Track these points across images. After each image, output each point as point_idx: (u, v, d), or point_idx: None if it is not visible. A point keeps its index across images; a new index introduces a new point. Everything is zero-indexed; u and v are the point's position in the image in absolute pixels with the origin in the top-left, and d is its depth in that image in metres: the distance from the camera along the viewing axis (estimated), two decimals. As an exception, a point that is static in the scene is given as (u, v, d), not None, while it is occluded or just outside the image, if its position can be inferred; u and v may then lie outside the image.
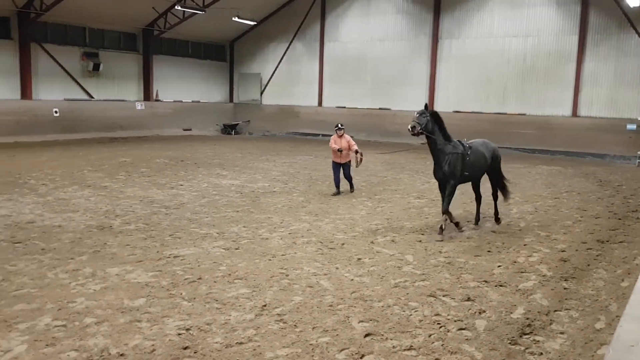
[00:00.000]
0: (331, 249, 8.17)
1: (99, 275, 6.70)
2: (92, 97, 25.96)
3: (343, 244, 8.42)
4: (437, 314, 5.81)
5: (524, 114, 24.57)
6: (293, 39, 30.70)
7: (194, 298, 6.05)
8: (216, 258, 7.56)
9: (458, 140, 9.20)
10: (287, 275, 6.88)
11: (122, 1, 23.11)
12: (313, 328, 5.38)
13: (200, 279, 6.69)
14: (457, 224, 9.18)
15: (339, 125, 12.72)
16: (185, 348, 4.87)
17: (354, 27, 28.90)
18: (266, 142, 26.51)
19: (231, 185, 13.47)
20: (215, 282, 6.60)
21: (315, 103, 30.45)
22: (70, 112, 24.52)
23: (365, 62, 28.64)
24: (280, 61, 31.29)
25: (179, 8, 25.40)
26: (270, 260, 7.54)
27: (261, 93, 32.28)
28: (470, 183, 9.74)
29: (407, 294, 6.38)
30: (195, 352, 4.81)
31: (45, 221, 9.34)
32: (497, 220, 9.96)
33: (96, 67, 25.64)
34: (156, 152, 19.82)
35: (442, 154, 8.94)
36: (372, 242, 8.60)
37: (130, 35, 27.82)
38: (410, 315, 5.78)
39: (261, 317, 5.58)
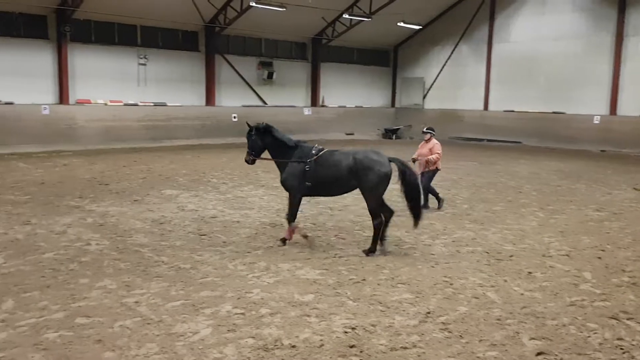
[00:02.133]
0: (498, 260, 7.84)
1: (272, 269, 7.18)
2: (266, 103, 27.90)
3: (511, 256, 8.03)
4: (619, 338, 5.29)
5: None
6: (459, 41, 30.00)
7: (359, 298, 6.21)
8: (379, 261, 7.66)
9: (316, 147, 8.21)
10: (451, 284, 6.75)
11: (295, 13, 24.49)
12: (480, 340, 5.22)
13: (364, 280, 6.84)
14: (305, 237, 8.23)
15: (425, 129, 11.44)
16: (352, 346, 5.02)
17: (525, 26, 27.39)
18: (428, 147, 26.18)
19: (392, 189, 13.50)
20: (378, 284, 6.70)
21: (481, 107, 29.41)
22: (246, 117, 26.36)
23: (537, 63, 26.97)
24: (444, 65, 30.76)
25: (347, 16, 26.23)
26: (433, 267, 7.46)
27: (424, 97, 32.02)
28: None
29: (585, 313, 5.89)
30: (361, 352, 4.93)
31: (225, 216, 10.25)
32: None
33: (270, 76, 27.52)
34: (321, 155, 20.61)
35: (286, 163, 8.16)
36: (544, 256, 8.08)
37: (301, 45, 29.37)
38: (589, 337, 5.33)
39: (425, 324, 5.55)
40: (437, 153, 11.02)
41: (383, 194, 7.98)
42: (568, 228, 9.88)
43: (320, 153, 8.08)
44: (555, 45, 26.33)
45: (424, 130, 11.45)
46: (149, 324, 5.42)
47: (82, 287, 6.39)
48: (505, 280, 6.94)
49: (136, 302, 5.99)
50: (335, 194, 8.57)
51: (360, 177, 7.81)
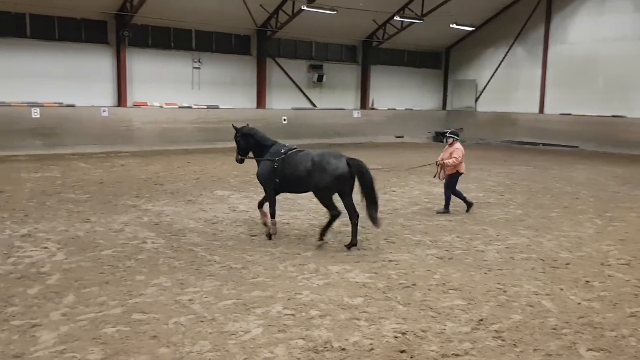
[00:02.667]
0: (554, 267, 7.61)
1: (322, 272, 7.21)
2: (315, 106, 28.05)
3: (568, 264, 7.78)
4: (685, 354, 5.04)
5: None
6: (513, 43, 29.31)
7: (409, 303, 6.16)
8: (430, 266, 7.58)
9: (285, 145, 8.85)
10: (504, 292, 6.60)
11: (346, 16, 24.54)
12: (534, 350, 5.08)
13: (414, 285, 6.78)
14: (268, 235, 8.84)
15: (448, 133, 11.44)
16: (402, 352, 4.98)
17: (583, 27, 26.51)
18: (480, 150, 25.69)
19: (443, 194, 13.34)
20: (429, 290, 6.63)
21: (536, 110, 28.62)
22: (296, 120, 26.82)
23: (596, 65, 26.05)
24: (497, 67, 30.12)
25: (398, 19, 26.06)
26: (486, 273, 7.31)
27: (476, 100, 31.43)
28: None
29: (647, 326, 5.65)
30: (411, 357, 4.89)
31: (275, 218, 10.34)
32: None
33: (320, 78, 27.66)
34: (370, 159, 20.47)
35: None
36: (602, 264, 7.79)
37: (351, 47, 29.38)
38: (651, 351, 5.11)
39: (478, 332, 5.45)
40: (455, 157, 10.91)
41: (333, 193, 8.38)
42: (628, 236, 9.48)
43: (288, 152, 8.68)
44: (615, 46, 25.34)
45: (447, 134, 11.46)
46: (202, 321, 5.55)
47: (139, 284, 6.61)
48: (562, 289, 6.73)
49: (190, 299, 6.14)
50: (300, 192, 9.14)
51: (315, 176, 8.27)
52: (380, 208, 11.10)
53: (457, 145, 11.12)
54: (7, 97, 20.21)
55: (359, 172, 8.19)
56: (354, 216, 8.34)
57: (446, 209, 11.16)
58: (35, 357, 4.78)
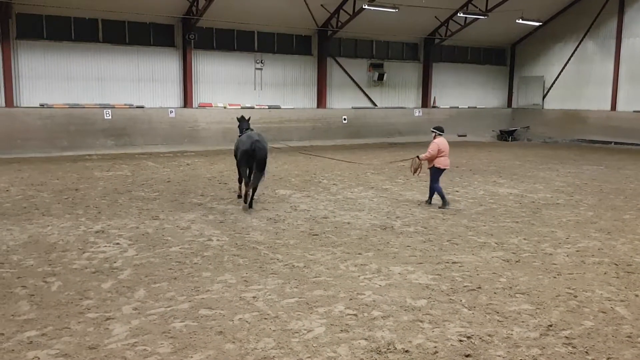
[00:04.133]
0: (629, 272, 7.25)
1: (384, 272, 7.18)
2: (376, 105, 27.90)
3: (644, 269, 7.39)
4: None
5: None
6: (583, 37, 28.09)
7: (474, 307, 6.03)
8: (495, 269, 7.39)
9: (248, 130, 11.73)
10: (575, 297, 6.35)
11: (407, 14, 24.26)
12: (608, 359, 4.87)
13: (479, 288, 6.63)
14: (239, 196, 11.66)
15: (432, 128, 11.83)
16: (467, 356, 4.89)
17: (661, 19, 25.07)
18: (547, 149, 24.81)
19: (509, 194, 13.00)
20: (495, 293, 6.47)
21: (608, 107, 27.32)
22: (356, 119, 26.78)
23: (675, 59, 24.58)
24: (567, 62, 28.95)
25: (461, 15, 25.51)
26: (555, 277, 7.06)
27: (543, 97, 30.33)
28: None
29: None
30: (477, 362, 4.79)
31: (336, 217, 10.39)
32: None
33: (380, 77, 27.48)
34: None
35: None
36: (682, 271, 7.35)
37: (412, 45, 29.03)
38: None
39: (547, 338, 5.27)
40: (429, 151, 11.20)
41: (243, 165, 11.04)
42: None
43: (241, 135, 11.53)
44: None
45: (431, 129, 11.84)
46: (266, 319, 5.64)
47: (205, 280, 6.80)
48: (637, 295, 6.41)
49: (254, 297, 6.26)
50: (250, 167, 10.97)
51: (235, 152, 11.41)
52: (443, 209, 11.05)
53: (436, 140, 11.31)
54: (82, 100, 21.28)
55: (256, 148, 10.68)
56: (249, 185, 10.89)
57: (434, 202, 11.57)
58: (109, 349, 5.01)
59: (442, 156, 11.21)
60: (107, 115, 21.38)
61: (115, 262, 7.50)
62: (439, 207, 11.26)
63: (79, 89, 21.17)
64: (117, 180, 14.43)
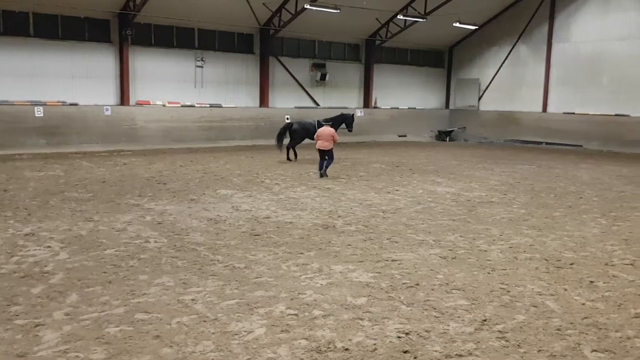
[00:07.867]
0: (558, 267, 7.58)
1: (325, 271, 7.20)
2: (318, 105, 28.02)
3: (572, 264, 7.75)
4: (691, 355, 5.02)
5: None
6: (517, 41, 29.25)
7: (412, 303, 6.14)
8: (433, 266, 7.56)
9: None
10: (508, 292, 6.58)
11: (349, 15, 24.51)
12: (539, 351, 5.06)
13: (417, 285, 6.76)
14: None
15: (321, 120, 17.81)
16: (405, 352, 4.97)
17: (588, 25, 26.46)
18: (483, 149, 25.67)
19: (446, 193, 13.35)
20: (432, 289, 6.61)
21: (539, 109, 28.58)
22: (299, 119, 26.73)
23: (601, 64, 26.00)
24: (501, 65, 30.07)
25: (401, 17, 26.02)
26: (489, 273, 7.29)
27: (479, 99, 31.38)
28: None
29: (652, 327, 5.62)
30: (415, 358, 4.87)
31: (278, 217, 10.35)
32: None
33: (323, 77, 27.63)
34: (373, 157, 20.59)
35: None
36: (606, 265, 7.76)
37: (354, 46, 29.34)
38: (657, 352, 5.08)
39: (481, 332, 5.43)
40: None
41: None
42: (632, 236, 9.44)
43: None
44: (620, 45, 25.29)
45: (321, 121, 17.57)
46: (205, 321, 5.54)
47: (142, 284, 6.60)
48: (566, 289, 6.70)
49: (193, 299, 6.13)
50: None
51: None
52: (383, 207, 11.23)
53: (321, 129, 16.03)
54: (11, 96, 20.25)
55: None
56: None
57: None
58: (39, 356, 4.78)
59: (320, 140, 15.38)
60: (39, 112, 20.46)
61: (46, 266, 7.17)
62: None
63: (8, 85, 20.12)
64: (49, 180, 13.83)
